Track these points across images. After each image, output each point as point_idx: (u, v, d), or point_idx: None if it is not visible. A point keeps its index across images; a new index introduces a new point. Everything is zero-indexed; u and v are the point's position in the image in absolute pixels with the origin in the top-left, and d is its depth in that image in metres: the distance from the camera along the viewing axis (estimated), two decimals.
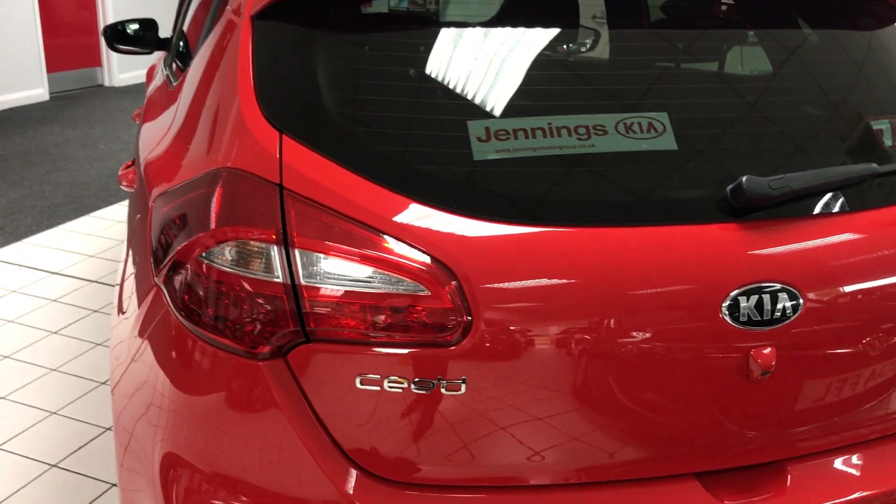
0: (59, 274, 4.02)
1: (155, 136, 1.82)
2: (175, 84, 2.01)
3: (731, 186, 1.29)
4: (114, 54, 8.89)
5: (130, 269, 1.61)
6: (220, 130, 1.40)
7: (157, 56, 3.27)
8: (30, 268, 4.09)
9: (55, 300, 3.71)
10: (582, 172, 1.32)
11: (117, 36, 2.83)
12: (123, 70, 9.19)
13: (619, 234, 1.27)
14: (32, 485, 2.45)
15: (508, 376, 1.24)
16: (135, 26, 2.87)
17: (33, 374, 3.07)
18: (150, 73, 3.32)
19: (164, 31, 2.97)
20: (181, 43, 2.31)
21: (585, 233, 1.26)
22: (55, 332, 3.40)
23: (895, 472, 1.45)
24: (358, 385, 1.24)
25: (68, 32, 8.67)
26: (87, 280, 3.96)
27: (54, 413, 2.81)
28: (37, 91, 8.20)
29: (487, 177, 1.28)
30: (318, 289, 1.22)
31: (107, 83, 9.17)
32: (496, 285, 1.22)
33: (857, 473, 1.44)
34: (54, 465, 2.53)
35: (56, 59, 8.47)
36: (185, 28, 2.39)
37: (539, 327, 1.24)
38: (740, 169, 1.31)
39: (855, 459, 1.45)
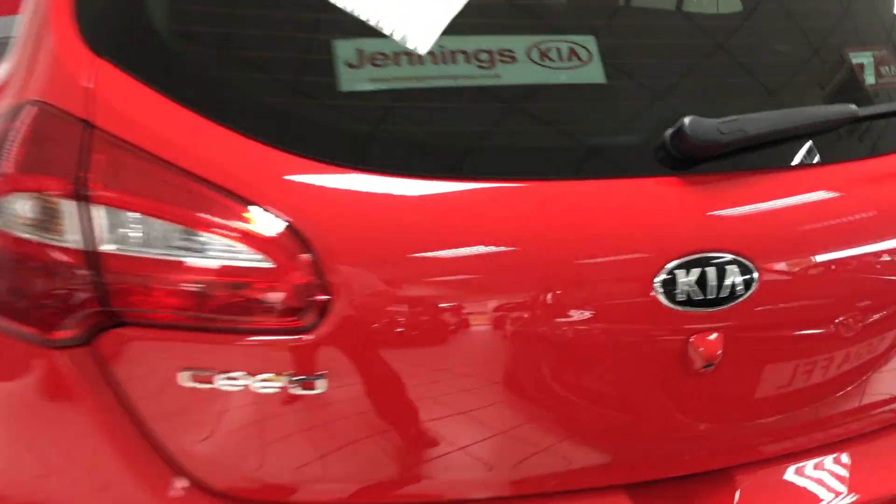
0: None
1: None
2: None
3: (670, 130, 1.02)
4: None
5: None
6: (34, 57, 1.10)
7: None
8: None
9: None
10: (482, 110, 1.04)
11: None
12: None
13: (525, 191, 0.99)
14: None
15: (379, 371, 0.98)
16: None
17: None
18: None
19: None
20: None
21: (482, 188, 0.98)
22: None
23: (861, 482, 1.20)
24: (185, 382, 0.96)
25: None
26: None
27: None
28: None
29: (357, 114, 1.00)
30: (128, 258, 0.94)
31: None
32: (362, 255, 0.95)
33: (817, 485, 1.18)
34: None
35: None
36: None
37: (418, 308, 0.96)
38: (684, 109, 1.03)
39: (811, 469, 1.19)
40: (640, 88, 1.09)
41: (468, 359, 0.99)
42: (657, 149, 1.03)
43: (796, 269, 1.07)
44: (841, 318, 1.12)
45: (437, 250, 0.96)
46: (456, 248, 0.96)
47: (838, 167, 1.12)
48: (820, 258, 1.09)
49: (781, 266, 1.06)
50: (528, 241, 0.98)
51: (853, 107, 1.10)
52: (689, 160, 1.03)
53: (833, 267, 1.09)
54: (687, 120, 1.00)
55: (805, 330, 1.10)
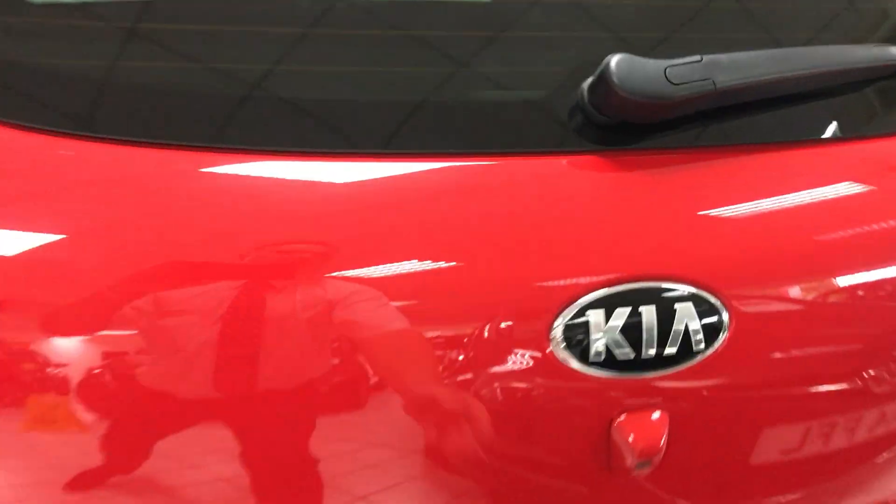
0: None
1: None
2: None
3: (590, 79, 0.62)
4: None
5: None
6: None
7: None
8: None
9: None
10: (289, 41, 0.65)
11: None
12: None
13: (333, 171, 0.60)
14: None
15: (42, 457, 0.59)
16: None
17: None
18: None
19: None
20: None
21: (281, 166, 0.60)
22: None
23: None
24: None
25: None
26: None
27: None
28: None
29: (56, 42, 0.61)
30: None
31: None
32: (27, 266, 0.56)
33: None
34: None
35: None
36: None
37: (126, 363, 0.57)
38: (615, 47, 0.63)
39: None
40: (545, 11, 0.69)
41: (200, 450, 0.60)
42: (571, 110, 0.64)
43: (793, 306, 0.67)
44: (866, 379, 0.72)
45: (181, 250, 0.56)
46: (217, 254, 0.57)
47: (865, 145, 0.72)
48: (829, 286, 0.69)
49: (768, 302, 0.66)
50: (324, 251, 0.58)
51: (893, 50, 0.70)
52: (618, 128, 0.63)
53: (860, 294, 0.70)
54: (614, 61, 0.60)
55: (806, 396, 0.71)
